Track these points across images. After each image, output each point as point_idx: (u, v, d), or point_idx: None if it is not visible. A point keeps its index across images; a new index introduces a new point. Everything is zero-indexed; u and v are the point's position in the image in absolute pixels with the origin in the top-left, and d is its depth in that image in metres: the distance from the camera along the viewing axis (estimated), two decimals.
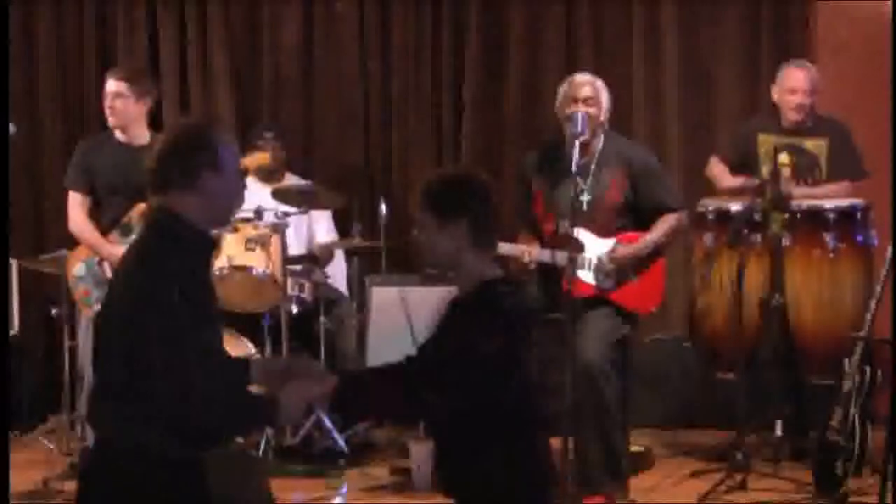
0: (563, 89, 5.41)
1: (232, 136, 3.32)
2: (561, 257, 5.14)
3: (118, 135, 5.50)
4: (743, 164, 6.00)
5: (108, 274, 5.48)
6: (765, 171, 5.82)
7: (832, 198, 5.78)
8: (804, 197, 5.73)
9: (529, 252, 5.34)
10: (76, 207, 5.59)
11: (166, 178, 3.20)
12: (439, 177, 3.44)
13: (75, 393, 6.00)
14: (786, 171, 5.79)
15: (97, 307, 5.40)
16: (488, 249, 3.36)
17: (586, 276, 5.31)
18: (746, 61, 6.87)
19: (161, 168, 3.21)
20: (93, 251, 5.60)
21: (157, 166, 3.22)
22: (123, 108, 5.44)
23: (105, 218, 5.60)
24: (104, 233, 5.60)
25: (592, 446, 5.17)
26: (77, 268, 5.56)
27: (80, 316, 5.73)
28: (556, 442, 5.01)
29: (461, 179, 3.39)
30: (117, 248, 5.41)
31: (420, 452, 5.66)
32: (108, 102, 5.46)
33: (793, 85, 5.88)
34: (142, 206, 5.37)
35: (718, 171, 6.10)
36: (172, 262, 3.16)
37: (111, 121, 5.53)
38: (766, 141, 5.92)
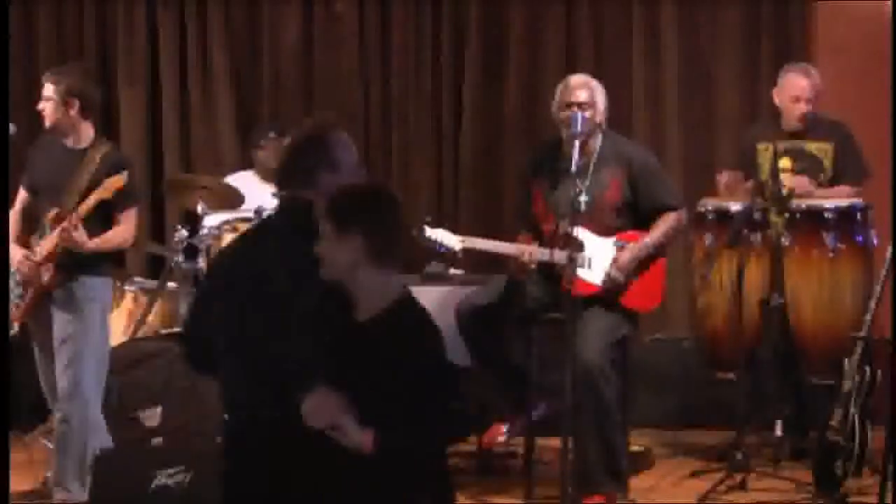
0: (558, 92, 5.40)
1: (346, 135, 3.55)
2: (560, 256, 5.14)
3: (62, 137, 5.40)
4: (748, 174, 5.95)
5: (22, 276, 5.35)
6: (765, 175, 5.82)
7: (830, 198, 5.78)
8: (805, 196, 5.71)
9: (529, 252, 5.34)
10: (15, 205, 5.48)
11: (290, 177, 3.47)
12: (344, 188, 3.40)
13: None
14: (786, 177, 5.74)
15: (13, 308, 5.33)
16: (388, 267, 3.32)
17: (586, 274, 5.31)
18: (746, 61, 6.90)
19: (284, 169, 3.50)
20: None
21: (281, 167, 3.52)
22: (50, 111, 5.29)
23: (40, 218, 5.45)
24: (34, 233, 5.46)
25: (592, 446, 5.16)
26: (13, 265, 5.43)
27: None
28: (556, 442, 5.04)
29: (363, 193, 3.36)
30: (16, 252, 5.30)
31: None
32: (40, 105, 5.36)
33: (797, 94, 5.85)
34: (55, 210, 5.28)
35: (726, 179, 6.04)
36: None
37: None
38: (765, 150, 5.86)
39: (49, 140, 5.41)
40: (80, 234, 5.19)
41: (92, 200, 5.25)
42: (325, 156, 3.44)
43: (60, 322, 5.30)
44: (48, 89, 5.30)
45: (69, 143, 5.36)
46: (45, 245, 5.26)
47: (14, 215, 5.44)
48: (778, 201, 5.53)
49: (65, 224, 5.17)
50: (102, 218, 5.30)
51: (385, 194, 3.39)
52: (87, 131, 5.39)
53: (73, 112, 5.32)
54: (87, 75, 5.51)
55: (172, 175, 6.94)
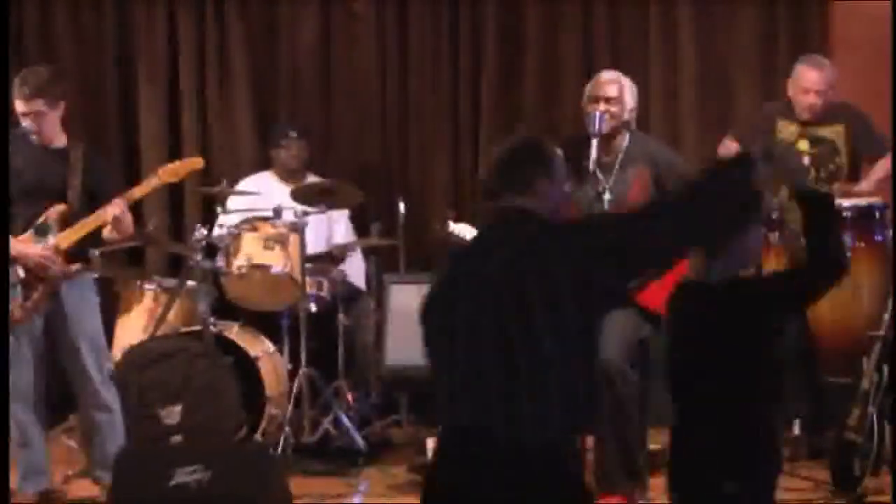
0: (588, 86, 5.38)
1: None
2: None
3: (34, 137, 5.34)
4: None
5: (21, 274, 5.24)
6: None
7: (880, 180, 5.74)
8: (850, 195, 5.66)
9: None
10: None
11: (505, 183, 3.31)
12: None
13: None
14: (805, 160, 5.75)
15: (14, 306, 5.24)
16: None
17: None
18: (763, 61, 6.86)
19: (499, 174, 3.33)
20: None
21: (495, 172, 3.35)
22: (50, 125, 5.27)
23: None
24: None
25: (610, 446, 5.12)
26: None
27: None
28: None
29: None
30: (31, 248, 5.21)
31: None
32: (29, 122, 5.29)
33: (806, 85, 5.81)
34: (60, 206, 5.25)
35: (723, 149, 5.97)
36: None
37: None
38: (785, 127, 5.86)
39: (19, 141, 5.27)
40: (130, 221, 5.31)
41: (153, 184, 5.41)
42: (546, 165, 3.35)
43: (81, 315, 5.30)
44: (37, 104, 5.19)
45: (44, 142, 5.27)
46: (65, 239, 5.22)
47: None
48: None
49: (118, 213, 5.19)
50: (89, 210, 5.30)
51: None
52: (62, 130, 5.38)
53: (60, 114, 5.32)
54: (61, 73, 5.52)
55: (191, 184, 6.86)
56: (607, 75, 5.41)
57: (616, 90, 5.26)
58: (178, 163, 5.61)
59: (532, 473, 3.09)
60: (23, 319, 5.23)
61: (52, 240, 5.22)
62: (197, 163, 5.60)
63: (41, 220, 5.23)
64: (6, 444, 4.93)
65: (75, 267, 5.25)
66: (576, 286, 3.09)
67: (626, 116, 5.25)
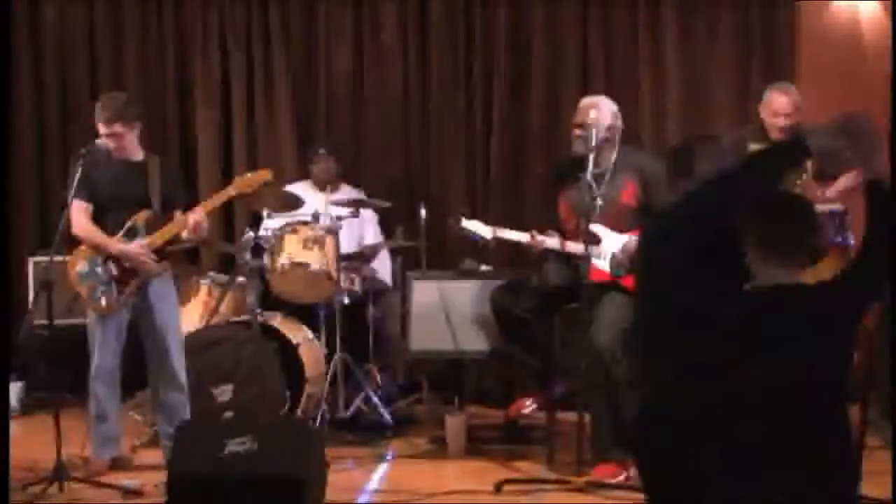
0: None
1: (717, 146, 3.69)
2: (574, 247, 5.46)
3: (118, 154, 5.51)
4: None
5: (115, 272, 5.46)
6: None
7: (848, 188, 5.82)
8: (825, 200, 5.82)
9: (540, 240, 5.57)
10: (83, 216, 5.48)
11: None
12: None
13: None
14: None
15: (103, 301, 5.45)
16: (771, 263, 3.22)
17: (602, 264, 5.52)
18: (738, 82, 7.03)
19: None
20: (101, 251, 5.49)
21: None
22: (130, 143, 5.54)
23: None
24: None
25: (604, 420, 5.35)
26: (80, 266, 5.48)
27: (83, 308, 5.59)
28: (573, 416, 5.28)
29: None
30: (130, 245, 5.43)
31: (454, 424, 5.86)
32: (111, 142, 5.51)
33: (777, 108, 5.97)
34: (147, 211, 5.47)
35: None
36: None
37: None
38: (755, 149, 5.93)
39: (103, 157, 5.46)
40: (207, 226, 5.54)
41: (230, 194, 5.59)
42: (682, 165, 3.55)
43: (164, 307, 5.53)
44: (116, 127, 5.43)
45: (123, 157, 5.51)
46: (155, 241, 5.47)
47: (90, 224, 5.49)
48: None
49: (198, 218, 5.44)
50: (166, 214, 5.57)
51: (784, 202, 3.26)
52: (139, 145, 5.65)
53: (137, 133, 5.57)
54: (131, 99, 5.71)
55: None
56: (584, 102, 5.70)
57: (589, 115, 5.56)
58: (249, 175, 5.75)
59: None
60: (115, 310, 5.49)
61: (141, 241, 5.46)
62: (265, 175, 5.72)
63: (129, 223, 5.49)
64: (6, 444, 4.93)
65: (163, 264, 5.54)
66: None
67: (602, 134, 5.54)
